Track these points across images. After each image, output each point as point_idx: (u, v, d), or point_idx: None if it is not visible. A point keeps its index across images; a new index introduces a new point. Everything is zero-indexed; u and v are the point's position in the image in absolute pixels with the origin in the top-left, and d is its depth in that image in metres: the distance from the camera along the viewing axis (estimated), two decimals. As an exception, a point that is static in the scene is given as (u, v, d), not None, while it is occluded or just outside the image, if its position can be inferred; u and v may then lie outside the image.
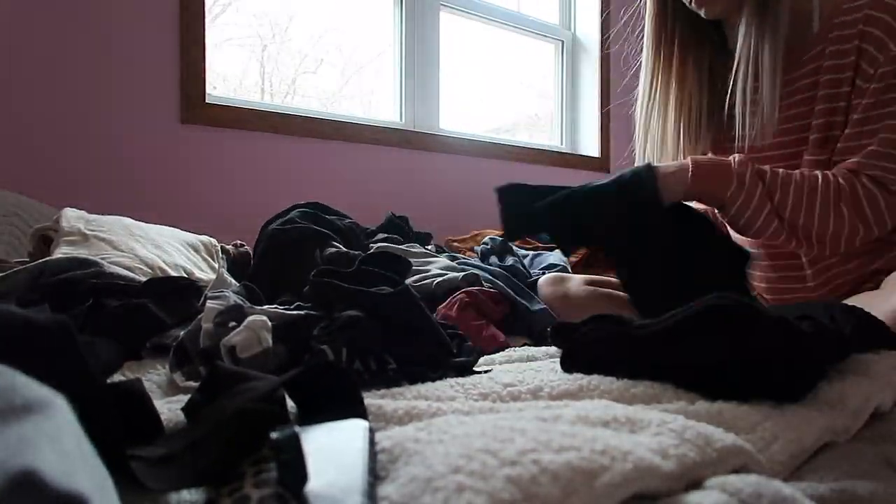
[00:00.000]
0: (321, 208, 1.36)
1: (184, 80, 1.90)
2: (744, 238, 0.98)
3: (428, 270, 1.06)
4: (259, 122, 2.05)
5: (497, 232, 1.77)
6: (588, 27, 3.14)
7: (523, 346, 0.88)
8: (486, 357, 0.76)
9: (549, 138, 3.16)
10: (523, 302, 0.98)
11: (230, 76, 2.32)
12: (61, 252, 0.90)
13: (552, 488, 0.30)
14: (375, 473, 0.34)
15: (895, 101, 0.91)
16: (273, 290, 0.99)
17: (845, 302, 0.78)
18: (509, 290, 0.99)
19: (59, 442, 0.22)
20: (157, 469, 0.35)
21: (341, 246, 1.17)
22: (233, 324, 0.64)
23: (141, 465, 0.35)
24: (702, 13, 1.03)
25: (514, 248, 1.41)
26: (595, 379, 0.54)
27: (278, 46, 2.43)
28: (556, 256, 1.11)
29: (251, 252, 1.28)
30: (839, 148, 0.96)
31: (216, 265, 1.19)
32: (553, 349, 0.84)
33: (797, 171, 0.92)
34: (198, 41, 1.92)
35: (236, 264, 1.28)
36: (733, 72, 0.99)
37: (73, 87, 1.73)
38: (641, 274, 0.86)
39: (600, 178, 0.91)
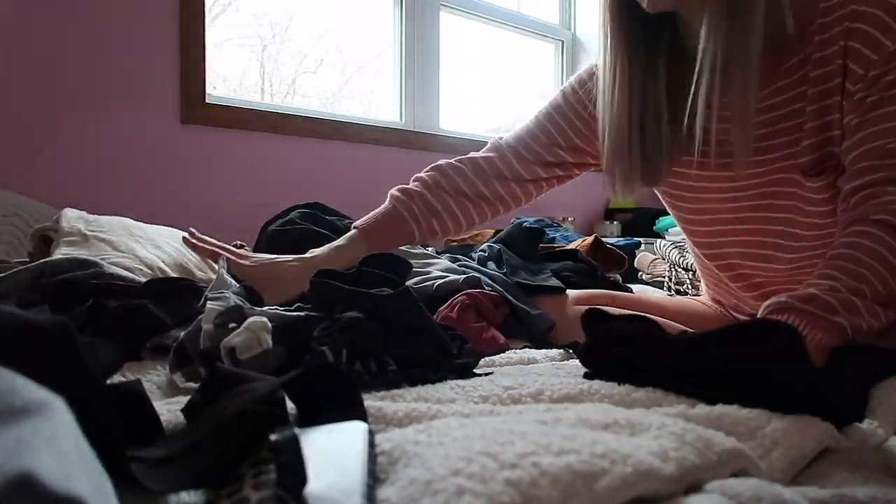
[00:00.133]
0: (321, 209, 1.36)
1: (184, 80, 1.90)
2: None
3: (429, 272, 1.06)
4: (259, 122, 2.05)
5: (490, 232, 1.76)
6: (588, 27, 3.14)
7: (523, 348, 0.88)
8: (486, 359, 0.76)
9: (549, 139, 3.16)
10: (523, 306, 0.98)
11: (230, 76, 2.32)
12: (61, 252, 0.90)
13: (552, 491, 0.30)
14: (375, 475, 0.34)
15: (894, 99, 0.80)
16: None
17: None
18: (508, 295, 0.99)
19: (57, 444, 0.22)
20: (156, 470, 0.35)
21: (341, 246, 1.17)
22: (233, 325, 0.64)
23: (140, 466, 0.35)
24: (644, 5, 0.87)
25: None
26: (596, 383, 0.53)
27: (278, 46, 2.43)
28: (554, 281, 1.11)
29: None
30: (849, 159, 0.83)
31: (216, 266, 1.19)
32: (553, 352, 0.84)
33: (847, 252, 0.77)
34: (198, 41, 1.92)
35: None
36: (693, 86, 0.86)
37: (73, 87, 1.73)
38: None
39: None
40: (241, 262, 1.03)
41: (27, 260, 0.99)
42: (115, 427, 0.34)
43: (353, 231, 1.11)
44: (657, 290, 1.58)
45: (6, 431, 0.21)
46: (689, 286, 1.77)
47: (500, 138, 1.19)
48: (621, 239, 2.55)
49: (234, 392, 0.42)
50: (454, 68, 2.74)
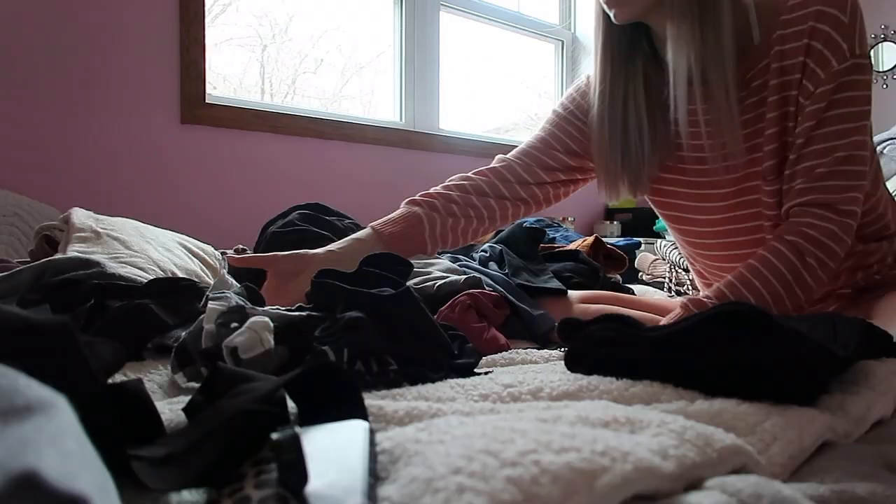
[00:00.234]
0: (321, 209, 1.36)
1: (184, 80, 1.90)
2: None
3: (429, 273, 1.06)
4: (259, 122, 2.05)
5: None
6: (588, 27, 3.13)
7: (526, 349, 0.88)
8: (486, 358, 0.76)
9: (549, 138, 3.16)
10: (524, 306, 0.98)
11: (230, 76, 2.32)
12: (74, 250, 0.89)
13: (552, 489, 0.30)
14: (376, 474, 0.34)
15: (837, 118, 0.85)
16: (273, 290, 0.99)
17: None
18: (509, 295, 0.99)
19: (60, 442, 0.22)
20: (158, 469, 0.36)
21: (342, 246, 1.17)
22: (235, 325, 0.64)
23: (142, 465, 0.35)
24: (612, 15, 0.93)
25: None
26: (595, 379, 0.54)
27: (278, 46, 2.43)
28: (555, 282, 1.11)
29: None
30: (786, 175, 0.89)
31: (218, 267, 1.19)
32: (553, 353, 0.84)
33: (754, 265, 0.85)
34: (198, 41, 1.92)
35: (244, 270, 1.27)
36: (671, 94, 0.91)
37: (73, 87, 1.73)
38: None
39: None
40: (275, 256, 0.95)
41: (28, 260, 0.99)
42: (116, 426, 0.34)
43: (368, 230, 1.08)
44: (658, 290, 1.58)
45: (9, 430, 0.21)
46: (690, 287, 1.77)
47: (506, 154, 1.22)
48: (621, 239, 2.55)
49: (235, 391, 0.42)
50: (454, 68, 2.74)
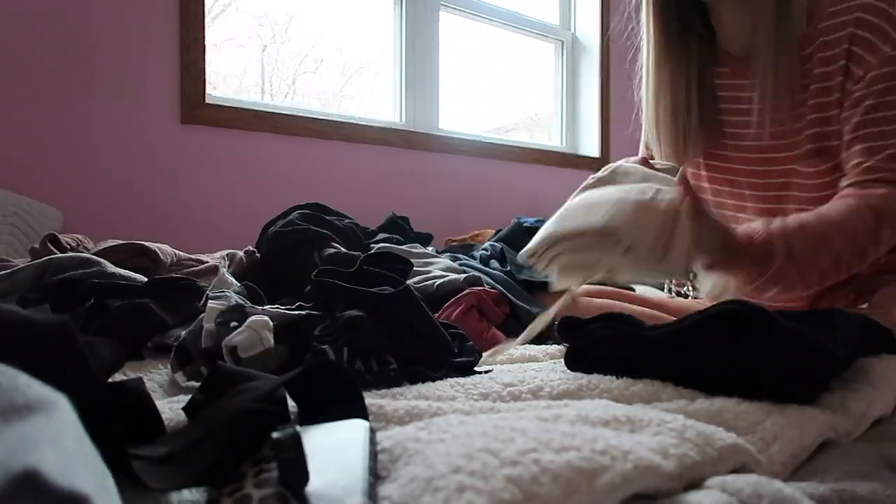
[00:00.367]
0: (321, 209, 1.36)
1: (184, 80, 1.90)
2: None
3: (429, 272, 1.06)
4: (259, 122, 2.05)
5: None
6: (588, 27, 3.14)
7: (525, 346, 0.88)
8: (486, 355, 0.76)
9: (548, 138, 3.16)
10: (524, 305, 0.98)
11: (230, 76, 2.32)
12: None
13: (553, 488, 0.30)
14: (376, 473, 0.34)
15: (893, 104, 0.87)
16: (274, 292, 0.99)
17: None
18: (509, 294, 0.99)
19: (60, 442, 0.22)
20: (158, 468, 0.36)
21: (341, 247, 1.17)
22: (234, 324, 0.64)
23: (142, 464, 0.35)
24: None
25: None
26: (595, 378, 0.54)
27: (278, 46, 2.43)
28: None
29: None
30: (844, 156, 0.90)
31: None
32: (553, 348, 0.84)
33: (814, 223, 0.82)
34: (198, 41, 1.92)
35: (249, 270, 1.26)
36: (755, 76, 0.94)
37: (73, 87, 1.73)
38: None
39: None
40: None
41: (29, 259, 0.99)
42: (116, 425, 0.34)
43: None
44: (658, 291, 1.57)
45: (10, 429, 0.21)
46: (690, 287, 1.77)
47: None
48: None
49: (235, 390, 0.42)
50: (454, 68, 2.74)
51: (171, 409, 0.47)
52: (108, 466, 0.26)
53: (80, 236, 1.13)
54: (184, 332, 0.66)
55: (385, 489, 0.31)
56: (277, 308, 0.70)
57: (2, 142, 1.62)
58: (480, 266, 1.15)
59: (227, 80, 2.30)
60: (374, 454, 0.35)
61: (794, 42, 0.92)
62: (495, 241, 1.36)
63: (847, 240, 0.81)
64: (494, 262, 1.17)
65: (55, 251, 0.96)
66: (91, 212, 1.73)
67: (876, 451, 0.46)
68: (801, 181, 0.97)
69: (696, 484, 0.36)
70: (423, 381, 0.59)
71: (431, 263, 1.13)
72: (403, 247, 1.24)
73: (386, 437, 0.37)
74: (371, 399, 0.48)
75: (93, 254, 0.93)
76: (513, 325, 0.96)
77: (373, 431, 0.38)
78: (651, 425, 0.39)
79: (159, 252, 1.05)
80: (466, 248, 1.49)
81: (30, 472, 0.19)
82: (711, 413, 0.45)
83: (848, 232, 0.81)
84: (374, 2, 2.57)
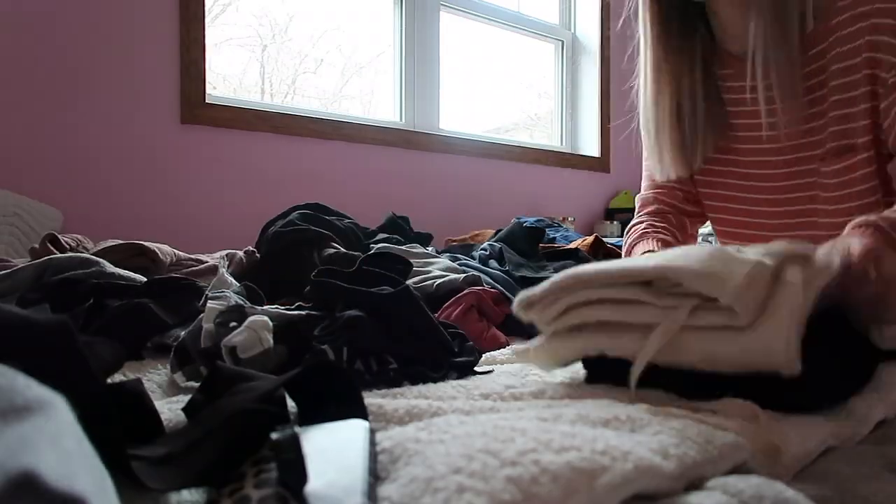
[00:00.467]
0: (321, 209, 1.36)
1: (184, 80, 1.90)
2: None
3: (429, 272, 1.06)
4: (259, 123, 2.05)
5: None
6: (588, 27, 3.14)
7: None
8: (487, 355, 0.76)
9: (548, 138, 3.16)
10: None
11: (230, 76, 2.32)
12: None
13: (553, 488, 0.30)
14: (376, 474, 0.34)
15: None
16: (273, 292, 0.99)
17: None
18: (509, 294, 0.99)
19: (59, 442, 0.22)
20: (157, 469, 0.35)
21: (341, 247, 1.17)
22: (234, 324, 0.64)
23: (141, 464, 0.35)
24: None
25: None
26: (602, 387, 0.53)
27: (278, 46, 2.43)
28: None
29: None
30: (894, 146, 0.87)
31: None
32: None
33: None
34: (198, 41, 1.92)
35: (249, 270, 1.26)
36: (749, 73, 0.92)
37: (73, 87, 1.73)
38: None
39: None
40: None
41: (29, 259, 0.99)
42: (116, 426, 0.34)
43: None
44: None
45: (8, 430, 0.21)
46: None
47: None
48: (621, 239, 2.55)
49: (234, 391, 0.42)
50: (454, 68, 2.74)
51: (170, 409, 0.47)
52: (108, 467, 0.26)
53: (79, 236, 1.13)
54: (183, 333, 0.66)
55: (385, 490, 0.31)
56: (277, 308, 0.70)
57: (2, 142, 1.62)
58: (480, 266, 1.15)
59: (227, 80, 2.30)
60: (373, 454, 0.35)
61: (794, 40, 0.90)
62: (495, 241, 1.36)
63: None
64: (494, 262, 1.17)
65: (55, 251, 0.96)
66: (91, 212, 1.73)
67: (878, 453, 0.46)
68: (824, 181, 0.95)
69: (697, 484, 0.36)
70: (424, 382, 0.58)
71: (431, 263, 1.12)
72: (403, 247, 1.24)
73: (386, 438, 0.37)
74: (371, 399, 0.48)
75: (92, 254, 0.93)
76: (512, 325, 0.96)
77: (373, 432, 0.38)
78: (651, 425, 0.39)
79: (159, 252, 1.05)
80: (466, 248, 1.49)
81: (28, 474, 0.19)
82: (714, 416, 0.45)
83: None
84: (374, 2, 2.57)
